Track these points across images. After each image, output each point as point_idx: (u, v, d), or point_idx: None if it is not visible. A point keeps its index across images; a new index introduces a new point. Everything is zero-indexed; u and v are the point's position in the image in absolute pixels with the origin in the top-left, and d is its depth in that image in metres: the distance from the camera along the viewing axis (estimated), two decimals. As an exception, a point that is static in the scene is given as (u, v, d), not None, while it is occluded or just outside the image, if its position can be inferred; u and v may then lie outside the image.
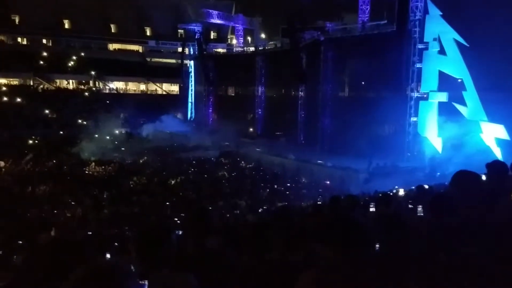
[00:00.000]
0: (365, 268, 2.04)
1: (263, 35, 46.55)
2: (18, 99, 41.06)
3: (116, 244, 8.07)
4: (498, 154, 20.81)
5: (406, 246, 2.93)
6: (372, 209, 5.79)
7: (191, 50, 45.22)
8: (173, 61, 51.15)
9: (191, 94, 46.57)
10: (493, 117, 21.52)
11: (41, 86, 45.60)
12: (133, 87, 52.52)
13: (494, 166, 4.39)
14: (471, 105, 22.21)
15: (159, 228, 2.51)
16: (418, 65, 24.29)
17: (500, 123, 21.29)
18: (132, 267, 1.64)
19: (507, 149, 20.73)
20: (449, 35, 22.69)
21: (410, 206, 6.92)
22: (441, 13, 22.90)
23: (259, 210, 16.09)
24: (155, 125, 39.03)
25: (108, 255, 5.91)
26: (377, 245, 2.69)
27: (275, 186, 22.44)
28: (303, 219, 5.48)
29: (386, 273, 2.30)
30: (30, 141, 33.85)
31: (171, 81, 52.25)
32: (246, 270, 2.91)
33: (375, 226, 2.95)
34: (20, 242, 9.44)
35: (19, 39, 47.92)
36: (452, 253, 2.61)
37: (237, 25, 46.13)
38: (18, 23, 46.65)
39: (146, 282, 1.77)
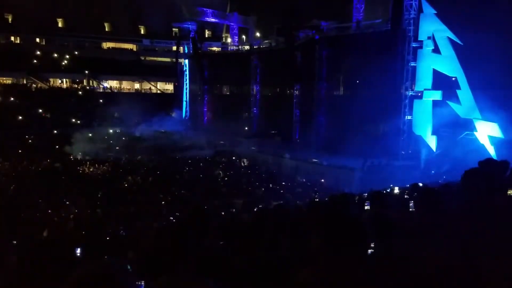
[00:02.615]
0: (361, 265, 2.05)
1: (258, 34, 46.50)
2: (11, 99, 40.73)
3: (111, 244, 8.05)
4: (491, 152, 20.97)
5: (399, 244, 2.95)
6: (366, 207, 5.82)
7: (186, 48, 45.09)
8: (167, 59, 50.94)
9: (186, 93, 46.46)
10: (487, 115, 21.65)
11: (35, 86, 45.24)
12: (127, 86, 52.25)
13: (487, 164, 4.44)
14: (465, 103, 22.32)
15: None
16: (412, 64, 24.37)
17: (494, 121, 21.42)
18: (129, 267, 1.63)
19: (500, 147, 20.87)
20: (443, 34, 22.79)
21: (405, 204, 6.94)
22: (435, 12, 23.01)
23: (255, 209, 16.06)
24: (150, 124, 38.86)
25: (104, 255, 5.90)
26: (372, 244, 2.70)
27: (270, 185, 22.44)
28: (299, 218, 5.49)
29: (380, 271, 2.31)
30: (24, 141, 33.60)
31: (165, 80, 52.09)
32: (242, 268, 2.92)
33: (369, 225, 2.97)
34: (14, 242, 9.40)
35: (12, 38, 47.48)
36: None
37: (232, 24, 46.06)
38: (11, 22, 46.20)
39: (143, 283, 1.76)
